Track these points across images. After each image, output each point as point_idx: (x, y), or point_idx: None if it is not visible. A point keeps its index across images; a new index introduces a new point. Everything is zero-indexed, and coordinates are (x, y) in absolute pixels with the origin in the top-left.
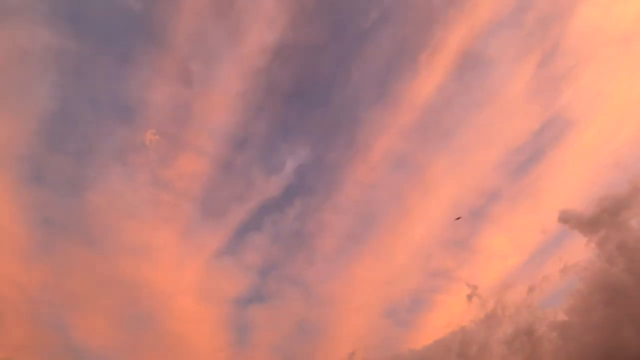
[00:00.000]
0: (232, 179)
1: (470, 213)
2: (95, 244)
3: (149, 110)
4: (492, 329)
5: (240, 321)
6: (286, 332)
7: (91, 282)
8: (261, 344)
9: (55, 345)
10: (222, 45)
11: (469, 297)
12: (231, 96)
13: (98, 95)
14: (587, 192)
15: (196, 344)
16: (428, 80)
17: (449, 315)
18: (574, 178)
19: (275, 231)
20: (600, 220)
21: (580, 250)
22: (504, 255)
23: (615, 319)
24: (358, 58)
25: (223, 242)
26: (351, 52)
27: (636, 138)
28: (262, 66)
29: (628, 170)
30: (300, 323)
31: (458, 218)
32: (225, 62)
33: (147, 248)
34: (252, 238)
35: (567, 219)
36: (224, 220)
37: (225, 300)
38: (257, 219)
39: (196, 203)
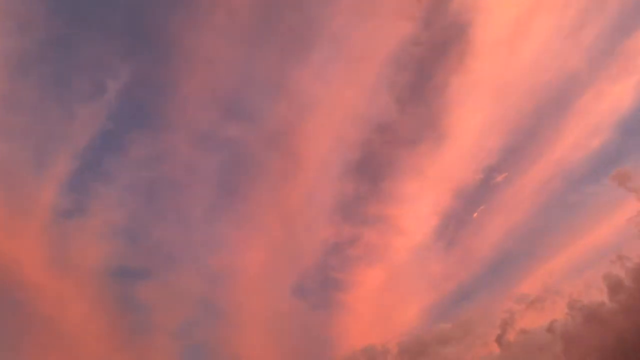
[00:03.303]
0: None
1: None
2: None
3: None
4: None
5: (126, 300)
6: (189, 314)
7: None
8: (158, 328)
9: None
10: None
11: None
12: None
13: None
14: None
15: (72, 329)
16: None
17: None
18: None
19: (128, 180)
20: None
21: None
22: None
23: None
24: None
25: (59, 198)
26: None
27: None
28: None
29: None
30: (203, 303)
31: None
32: None
33: None
34: (98, 191)
35: None
36: (52, 169)
37: (95, 273)
38: (94, 164)
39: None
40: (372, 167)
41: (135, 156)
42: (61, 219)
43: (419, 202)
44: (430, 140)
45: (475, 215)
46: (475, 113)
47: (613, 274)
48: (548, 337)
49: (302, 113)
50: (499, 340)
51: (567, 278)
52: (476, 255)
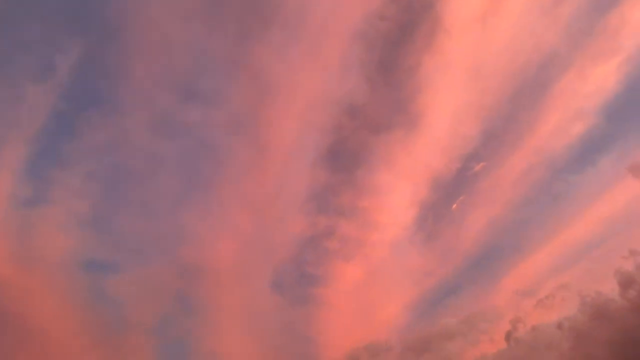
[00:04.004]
0: None
1: None
2: None
3: None
4: None
5: (97, 295)
6: (164, 310)
7: None
8: (133, 324)
9: None
10: None
11: None
12: None
13: None
14: None
15: (41, 326)
16: None
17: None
18: None
19: (88, 167)
20: None
21: None
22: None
23: None
24: None
25: (16, 186)
26: None
27: None
28: None
29: None
30: (178, 299)
31: None
32: None
33: None
34: (57, 178)
35: None
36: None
37: (62, 266)
38: (49, 150)
39: None
40: (345, 155)
41: (93, 141)
42: (21, 208)
43: (395, 193)
44: (403, 126)
45: (454, 206)
46: (449, 97)
47: (624, 270)
48: (556, 333)
49: (265, 94)
50: (508, 337)
51: (557, 271)
52: (459, 248)
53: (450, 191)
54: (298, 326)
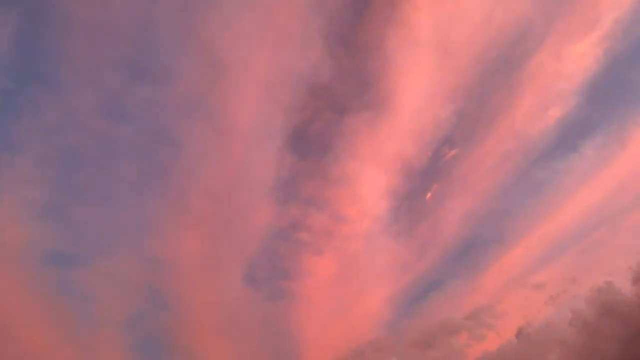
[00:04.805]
0: None
1: None
2: None
3: None
4: None
5: (63, 289)
6: (135, 305)
7: None
8: (103, 319)
9: None
10: None
11: None
12: None
13: None
14: None
15: (5, 323)
16: None
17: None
18: None
19: (38, 150)
20: None
21: None
22: None
23: None
24: None
25: None
26: None
27: None
28: None
29: None
30: (148, 293)
31: None
32: None
33: None
34: (6, 162)
35: None
36: None
37: (22, 259)
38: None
39: None
40: (311, 139)
41: (40, 123)
42: None
43: (365, 181)
44: (371, 106)
45: (428, 196)
46: (418, 75)
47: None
48: (566, 329)
49: (218, 70)
50: (519, 333)
51: (544, 263)
52: (438, 241)
53: (423, 179)
54: (275, 322)
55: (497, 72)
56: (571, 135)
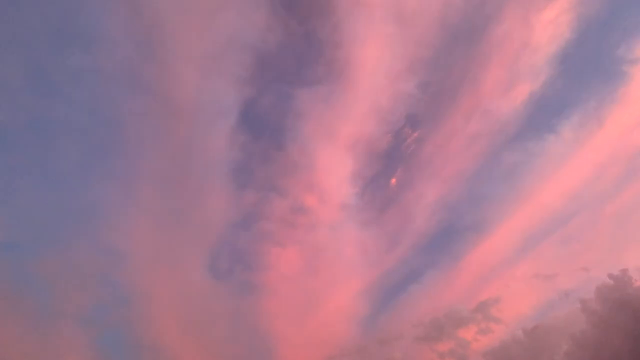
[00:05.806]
0: None
1: None
2: None
3: None
4: None
5: (12, 282)
6: (96, 297)
7: None
8: (63, 313)
9: None
10: None
11: None
12: None
13: None
14: None
15: None
16: None
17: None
18: None
19: None
20: None
21: None
22: None
23: None
24: None
25: None
26: None
27: None
28: None
29: None
30: (108, 285)
31: None
32: None
33: None
34: None
35: None
36: None
37: None
38: None
39: None
40: (264, 117)
41: None
42: None
43: (325, 164)
44: (327, 80)
45: (393, 180)
46: (374, 45)
47: None
48: (575, 322)
49: (156, 34)
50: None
51: (524, 250)
52: (409, 229)
53: (387, 163)
54: (242, 315)
55: (460, 43)
56: (546, 114)
